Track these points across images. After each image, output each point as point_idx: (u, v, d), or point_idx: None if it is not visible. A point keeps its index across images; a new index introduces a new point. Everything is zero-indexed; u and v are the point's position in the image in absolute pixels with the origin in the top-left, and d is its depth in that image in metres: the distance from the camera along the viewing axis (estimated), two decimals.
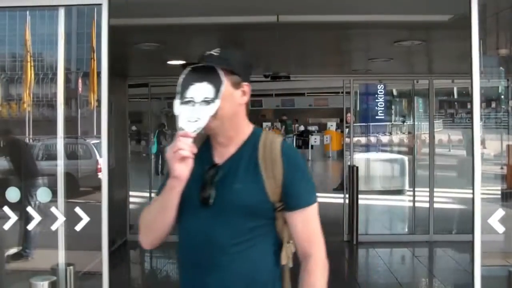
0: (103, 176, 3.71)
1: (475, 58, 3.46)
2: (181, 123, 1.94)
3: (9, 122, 5.14)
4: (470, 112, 3.52)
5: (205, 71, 1.96)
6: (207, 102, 1.94)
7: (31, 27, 4.19)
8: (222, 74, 1.97)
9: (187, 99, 1.96)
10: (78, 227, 3.79)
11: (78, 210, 3.81)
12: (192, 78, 1.98)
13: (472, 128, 3.46)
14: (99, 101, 3.86)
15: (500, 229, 3.54)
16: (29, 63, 4.32)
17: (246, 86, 2.05)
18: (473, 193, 3.50)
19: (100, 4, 3.61)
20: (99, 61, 3.70)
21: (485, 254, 3.59)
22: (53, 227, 3.77)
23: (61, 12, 3.68)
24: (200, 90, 1.96)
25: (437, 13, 4.54)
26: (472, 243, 3.54)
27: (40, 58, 4.50)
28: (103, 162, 3.77)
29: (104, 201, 3.64)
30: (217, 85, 1.95)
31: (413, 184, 9.25)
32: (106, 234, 3.62)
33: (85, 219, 3.79)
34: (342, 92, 8.90)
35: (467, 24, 3.68)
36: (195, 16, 4.54)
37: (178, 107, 1.97)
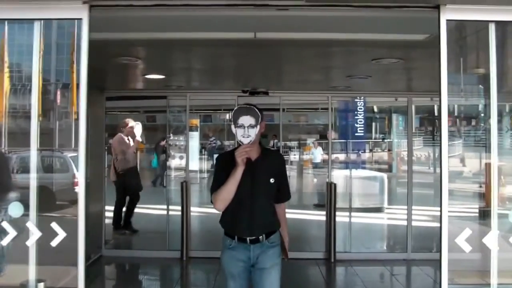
0: (80, 190, 3.66)
1: (443, 77, 3.54)
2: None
3: None
4: (438, 129, 3.58)
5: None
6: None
7: (9, 37, 4.12)
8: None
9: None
10: (54, 243, 3.71)
11: (54, 225, 3.74)
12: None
13: (440, 147, 3.50)
14: (77, 113, 3.80)
15: (467, 248, 3.58)
16: (5, 74, 4.26)
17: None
18: (440, 212, 3.55)
19: (81, 19, 3.59)
20: (79, 74, 3.67)
21: (458, 272, 3.61)
22: (29, 242, 3.69)
23: (37, 26, 3.66)
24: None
25: (413, 32, 4.58)
26: (439, 261, 3.57)
27: (18, 69, 4.44)
28: (80, 176, 3.71)
29: (81, 215, 3.60)
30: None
31: (394, 202, 9.28)
32: (82, 249, 3.57)
33: (61, 234, 3.72)
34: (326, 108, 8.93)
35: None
36: (174, 32, 4.54)
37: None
